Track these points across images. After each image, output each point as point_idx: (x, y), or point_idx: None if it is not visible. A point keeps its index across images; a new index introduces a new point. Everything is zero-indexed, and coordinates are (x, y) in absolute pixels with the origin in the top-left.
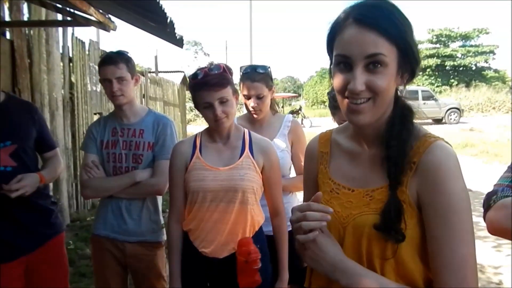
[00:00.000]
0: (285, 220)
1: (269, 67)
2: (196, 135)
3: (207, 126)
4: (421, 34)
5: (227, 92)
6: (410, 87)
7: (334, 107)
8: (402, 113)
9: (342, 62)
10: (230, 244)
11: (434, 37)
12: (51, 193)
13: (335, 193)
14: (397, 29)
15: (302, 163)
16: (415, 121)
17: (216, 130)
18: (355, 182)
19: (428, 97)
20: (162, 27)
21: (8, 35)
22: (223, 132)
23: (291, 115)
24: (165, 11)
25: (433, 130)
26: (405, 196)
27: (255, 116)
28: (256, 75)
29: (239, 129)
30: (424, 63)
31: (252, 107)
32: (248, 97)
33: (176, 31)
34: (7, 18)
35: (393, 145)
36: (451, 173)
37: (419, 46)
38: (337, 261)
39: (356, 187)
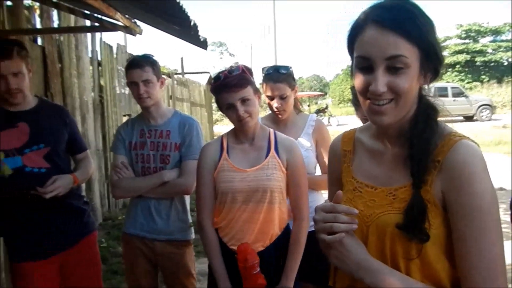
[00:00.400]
0: (306, 226)
1: (291, 67)
2: (223, 136)
3: (233, 126)
4: (449, 29)
5: (247, 92)
6: (439, 83)
7: (356, 103)
8: (426, 111)
9: (363, 64)
10: (260, 242)
11: (463, 32)
12: (83, 194)
13: (358, 192)
14: (418, 29)
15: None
16: (443, 118)
17: (241, 130)
18: (378, 181)
19: (458, 93)
20: (186, 30)
21: (39, 42)
22: (249, 132)
23: (315, 114)
24: (188, 14)
25: (464, 127)
26: (429, 196)
27: (279, 116)
28: (279, 76)
29: (264, 129)
30: (453, 59)
31: (276, 108)
32: (271, 98)
33: (200, 33)
34: (38, 26)
35: (416, 144)
36: (477, 172)
37: (447, 42)
38: (361, 259)
39: (379, 185)
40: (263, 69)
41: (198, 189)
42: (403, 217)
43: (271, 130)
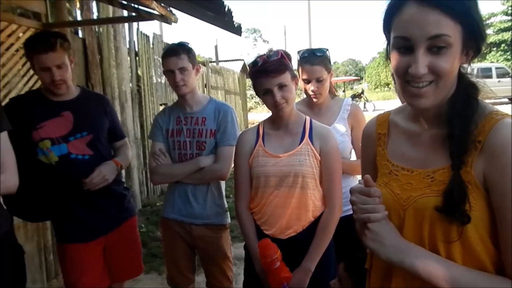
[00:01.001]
0: (337, 214)
1: (327, 50)
2: (260, 124)
3: (269, 114)
4: (494, 5)
5: (285, 78)
6: (483, 64)
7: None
8: (466, 90)
9: (402, 44)
10: (293, 227)
11: (510, 8)
12: (123, 180)
13: (394, 175)
14: (461, 5)
15: None
16: (488, 100)
17: (277, 115)
18: (414, 163)
19: (503, 74)
20: (220, 16)
21: (80, 34)
22: (284, 118)
23: (350, 99)
24: (223, 0)
25: (509, 110)
26: (470, 177)
27: (315, 100)
28: (315, 58)
29: (300, 116)
30: (498, 37)
31: (312, 91)
32: (307, 81)
33: (234, 19)
34: (78, 18)
35: (456, 123)
36: None
37: (492, 19)
38: (400, 243)
39: (415, 168)
40: (298, 52)
41: (235, 175)
42: (442, 200)
43: (307, 118)
